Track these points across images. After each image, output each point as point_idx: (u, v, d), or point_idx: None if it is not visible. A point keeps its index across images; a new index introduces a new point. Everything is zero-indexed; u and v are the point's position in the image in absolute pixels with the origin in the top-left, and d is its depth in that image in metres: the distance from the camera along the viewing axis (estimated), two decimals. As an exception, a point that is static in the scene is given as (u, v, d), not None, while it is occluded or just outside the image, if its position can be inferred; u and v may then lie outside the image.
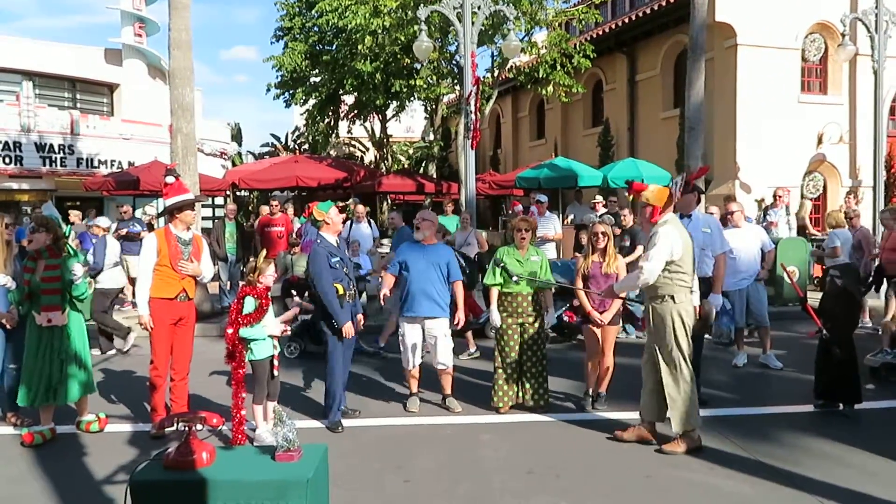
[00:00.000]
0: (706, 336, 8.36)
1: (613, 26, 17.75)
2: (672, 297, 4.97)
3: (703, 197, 11.29)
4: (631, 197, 5.83)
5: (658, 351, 5.07)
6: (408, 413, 6.06)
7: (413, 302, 6.01)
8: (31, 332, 5.41)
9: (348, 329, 5.53)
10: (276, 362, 5.31)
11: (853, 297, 6.02)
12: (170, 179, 5.77)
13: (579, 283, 6.07)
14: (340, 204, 7.78)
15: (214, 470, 3.07)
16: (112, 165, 19.28)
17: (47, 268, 5.36)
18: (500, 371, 6.00)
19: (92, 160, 19.18)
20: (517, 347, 5.98)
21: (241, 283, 5.45)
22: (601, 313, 5.93)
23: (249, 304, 5.11)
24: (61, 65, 21.55)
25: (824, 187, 15.52)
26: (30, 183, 18.76)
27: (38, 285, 5.32)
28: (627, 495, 4.37)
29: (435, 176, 21.01)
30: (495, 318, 5.99)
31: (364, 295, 9.76)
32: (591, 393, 6.16)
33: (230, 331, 5.12)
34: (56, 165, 18.65)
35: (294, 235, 10.54)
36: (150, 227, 12.02)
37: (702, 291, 6.16)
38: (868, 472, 4.63)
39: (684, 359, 4.99)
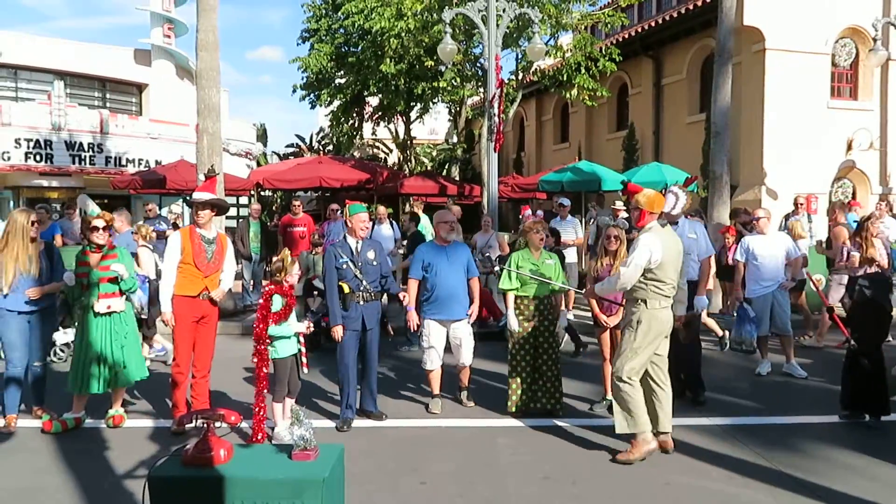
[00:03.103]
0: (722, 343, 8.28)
1: (640, 30, 17.61)
2: (644, 302, 4.96)
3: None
4: (625, 197, 5.88)
5: (619, 350, 5.10)
6: (429, 415, 6.07)
7: (443, 305, 6.05)
8: (86, 322, 5.60)
9: (336, 332, 5.58)
10: (304, 359, 5.37)
11: (882, 308, 5.90)
12: (201, 177, 5.93)
13: (590, 285, 6.09)
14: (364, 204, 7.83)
15: (231, 467, 3.09)
16: (139, 164, 19.57)
17: (105, 257, 5.62)
18: (515, 374, 5.99)
19: (120, 159, 19.50)
20: (532, 350, 5.97)
21: (263, 282, 5.55)
22: (608, 316, 5.96)
23: (278, 303, 5.20)
24: (92, 65, 21.94)
25: (853, 194, 15.25)
26: (59, 180, 19.10)
27: (98, 275, 5.55)
28: (644, 502, 4.33)
29: (458, 178, 21.00)
30: (513, 323, 5.99)
31: (385, 295, 9.77)
32: (607, 397, 6.12)
33: (260, 328, 5.19)
34: (85, 163, 18.98)
35: (316, 235, 10.61)
36: (175, 226, 12.16)
37: (690, 294, 6.27)
38: (892, 484, 4.54)
39: (637, 362, 4.95)
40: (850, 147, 14.60)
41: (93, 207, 6.08)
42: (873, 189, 14.88)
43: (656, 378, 5.12)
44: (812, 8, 14.04)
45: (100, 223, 5.64)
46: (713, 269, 7.98)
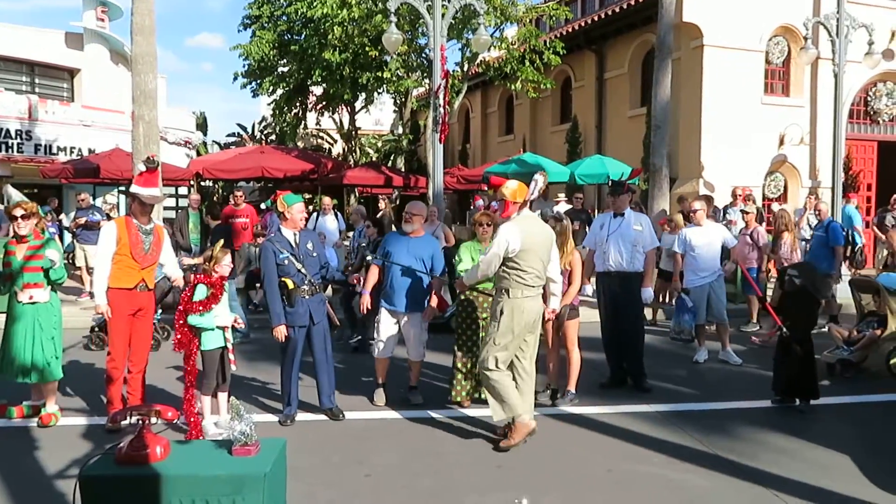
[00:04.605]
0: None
1: (583, 24, 17.84)
2: (507, 292, 5.00)
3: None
4: (491, 190, 5.96)
5: (485, 340, 5.15)
6: (373, 407, 6.02)
7: (395, 296, 5.96)
8: (10, 312, 5.45)
9: (278, 333, 5.39)
10: (230, 356, 5.26)
11: (811, 296, 6.13)
12: (141, 167, 5.66)
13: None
14: (307, 196, 7.66)
15: (168, 464, 2.99)
16: (71, 152, 18.79)
17: (31, 248, 5.43)
18: (460, 365, 5.99)
19: (50, 146, 18.68)
20: (478, 341, 5.97)
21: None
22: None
23: (201, 292, 5.12)
24: (19, 48, 20.88)
25: (785, 187, 15.82)
26: (-16, 169, 18.20)
27: (22, 264, 5.37)
28: (587, 489, 4.40)
29: (403, 169, 20.91)
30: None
31: (329, 288, 9.65)
32: (551, 387, 6.18)
33: (180, 318, 5.14)
34: (12, 151, 18.11)
35: (259, 227, 10.40)
36: (109, 217, 11.74)
37: (634, 286, 6.53)
38: (821, 465, 4.73)
39: (503, 353, 4.98)
40: (782, 142, 15.13)
41: (16, 197, 5.82)
42: (803, 183, 15.46)
43: (520, 368, 5.12)
44: (747, 6, 14.47)
45: (18, 212, 5.41)
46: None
